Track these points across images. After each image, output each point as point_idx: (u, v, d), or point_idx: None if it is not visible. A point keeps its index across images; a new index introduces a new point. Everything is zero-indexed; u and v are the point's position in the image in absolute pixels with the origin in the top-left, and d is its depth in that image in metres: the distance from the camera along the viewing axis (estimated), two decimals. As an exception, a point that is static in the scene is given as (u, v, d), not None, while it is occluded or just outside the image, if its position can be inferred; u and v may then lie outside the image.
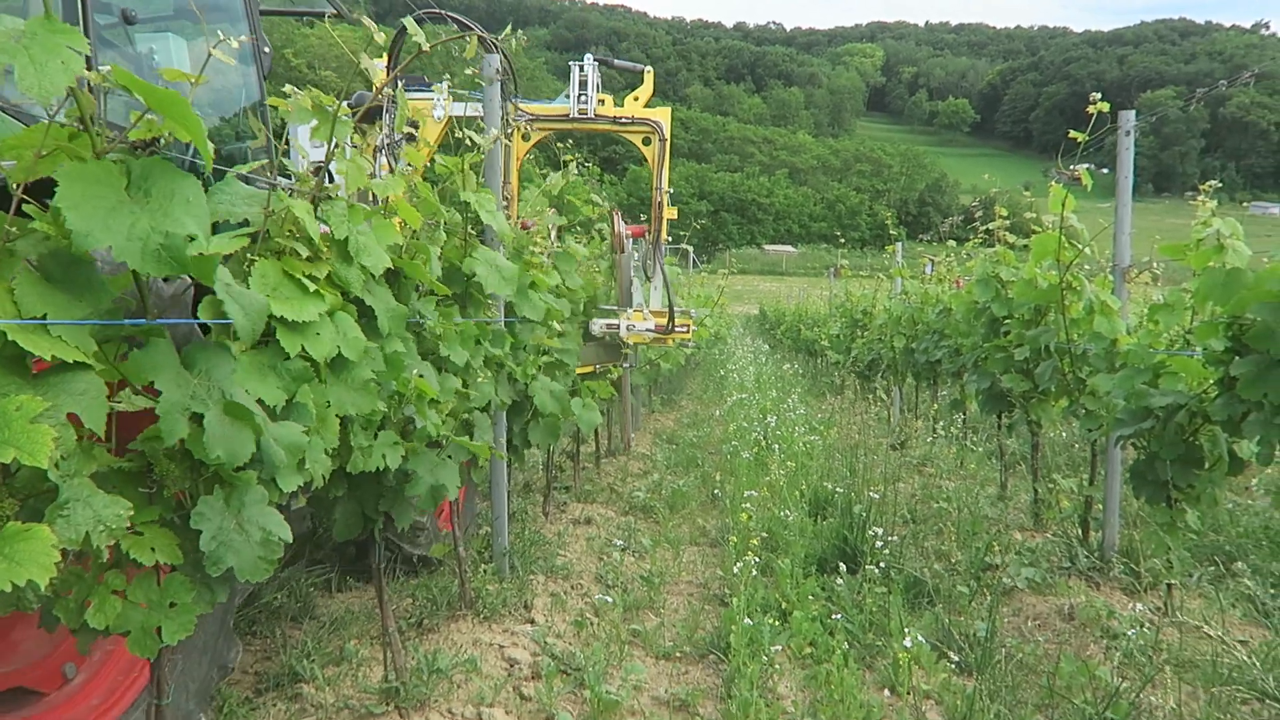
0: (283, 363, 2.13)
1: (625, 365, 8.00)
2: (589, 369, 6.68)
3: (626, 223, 7.47)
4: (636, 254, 7.66)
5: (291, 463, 2.11)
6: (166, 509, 1.97)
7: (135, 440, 1.93)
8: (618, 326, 6.84)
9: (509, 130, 4.45)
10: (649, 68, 7.72)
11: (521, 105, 6.48)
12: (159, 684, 2.12)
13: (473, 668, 3.73)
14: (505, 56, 4.87)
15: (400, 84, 2.83)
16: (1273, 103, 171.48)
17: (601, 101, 7.30)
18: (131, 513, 1.69)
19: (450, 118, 5.90)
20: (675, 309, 7.44)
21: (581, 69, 7.17)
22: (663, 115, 7.64)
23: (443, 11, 5.34)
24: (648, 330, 7.22)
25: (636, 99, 7.58)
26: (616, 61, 7.82)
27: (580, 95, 7.14)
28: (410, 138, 3.02)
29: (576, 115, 7.22)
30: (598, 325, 6.77)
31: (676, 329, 7.34)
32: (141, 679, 2.70)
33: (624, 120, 7.49)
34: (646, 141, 7.65)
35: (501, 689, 3.62)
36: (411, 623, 4.22)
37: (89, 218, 1.56)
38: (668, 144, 7.65)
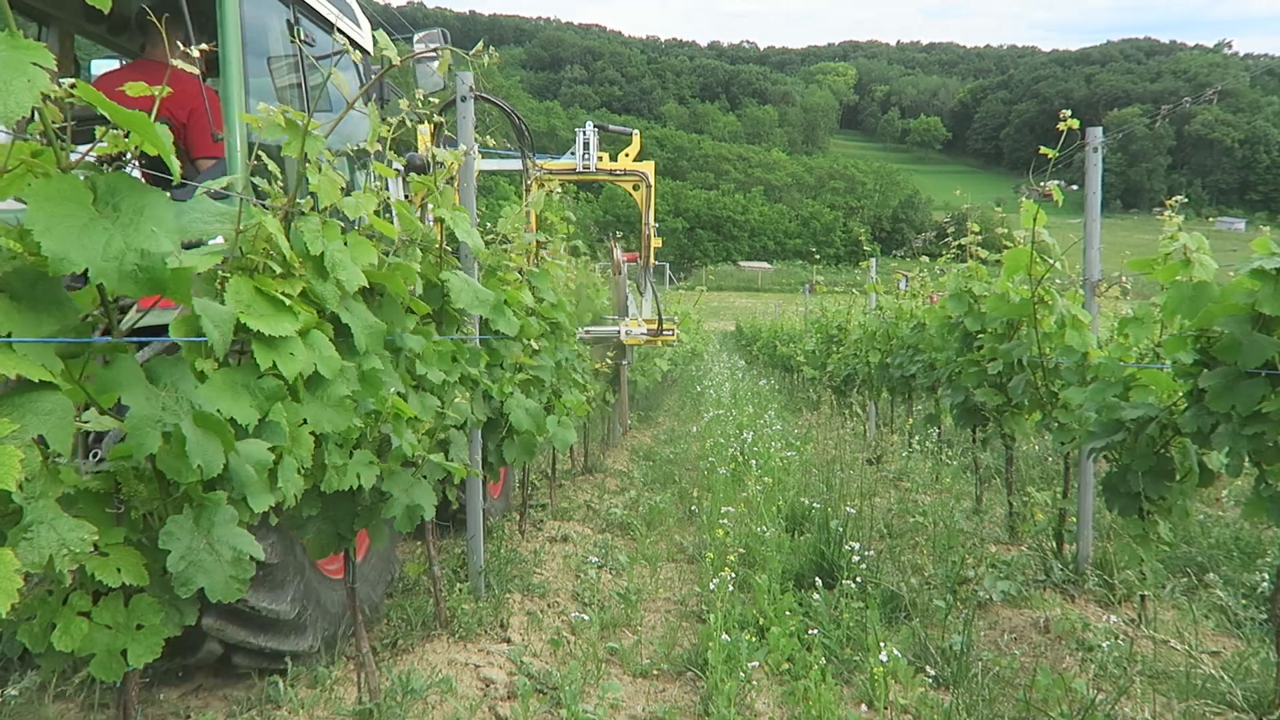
0: (256, 380, 2.11)
1: (624, 362, 9.67)
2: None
3: (623, 250, 9.97)
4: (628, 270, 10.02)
5: (261, 480, 2.08)
6: (134, 530, 1.94)
7: (103, 458, 1.90)
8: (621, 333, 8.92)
9: (528, 181, 5.42)
10: (636, 131, 10.08)
11: (540, 162, 8.04)
12: (125, 708, 2.08)
13: (448, 688, 3.69)
14: (523, 124, 6.21)
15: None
16: (1236, 120, 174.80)
17: (600, 158, 9.51)
18: (96, 537, 1.66)
19: (480, 172, 7.08)
20: (663, 317, 9.91)
21: (584, 133, 9.40)
22: (648, 167, 9.88)
23: (482, 94, 6.45)
24: (642, 334, 9.58)
25: (628, 155, 9.80)
26: (611, 127, 9.98)
27: (584, 154, 9.32)
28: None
29: (582, 169, 9.38)
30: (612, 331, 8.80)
31: (665, 332, 9.81)
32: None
33: (618, 172, 9.79)
34: (636, 188, 9.93)
35: (477, 709, 3.58)
36: (386, 643, 4.18)
37: (64, 239, 1.54)
38: (653, 189, 9.96)
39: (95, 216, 1.61)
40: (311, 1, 4.09)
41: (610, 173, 9.73)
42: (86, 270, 1.55)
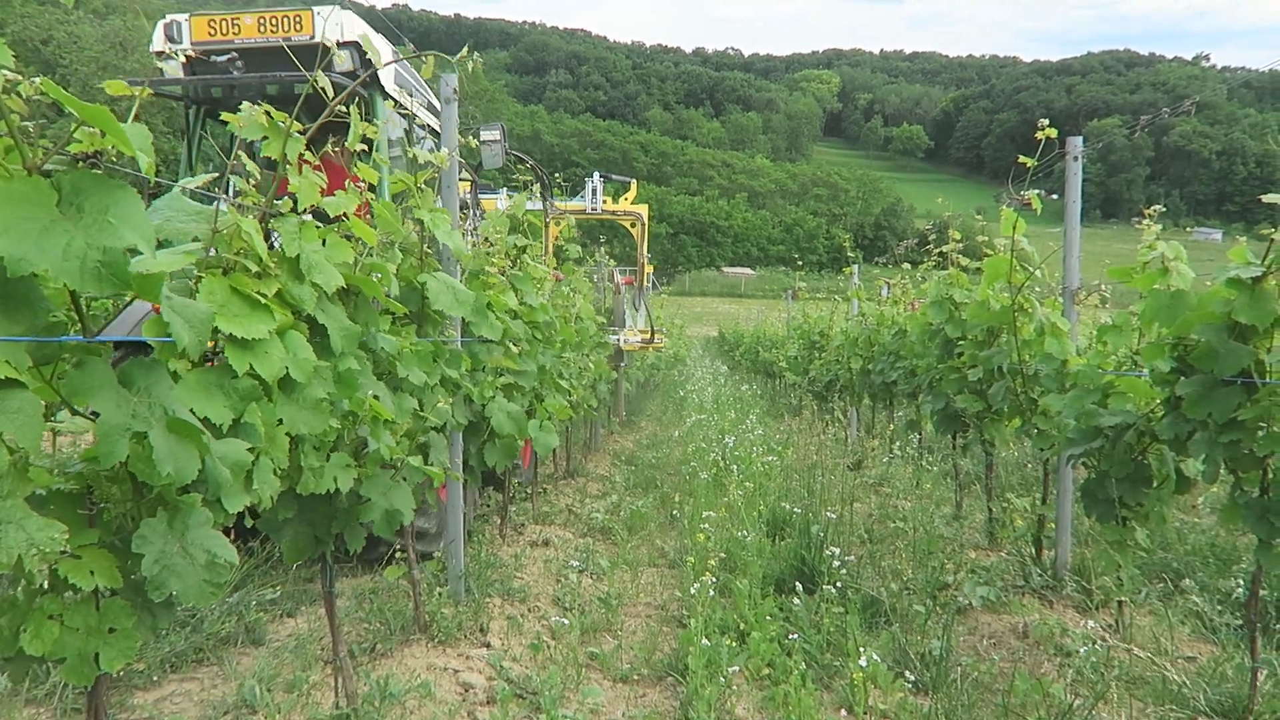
0: (230, 381, 2.08)
1: (621, 364, 11.61)
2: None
3: (622, 274, 12.99)
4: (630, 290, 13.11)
5: (237, 482, 2.06)
6: (106, 532, 1.91)
7: (74, 461, 1.88)
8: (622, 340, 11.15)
9: (547, 221, 6.72)
10: (634, 180, 13.04)
11: (557, 205, 9.71)
12: (96, 712, 2.05)
13: (426, 693, 3.66)
14: (545, 174, 7.62)
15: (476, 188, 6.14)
16: (1214, 132, 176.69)
17: (605, 200, 12.29)
18: (67, 536, 1.63)
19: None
20: (655, 329, 12.50)
21: (592, 181, 12.13)
22: (643, 208, 12.79)
23: (514, 151, 7.90)
24: (637, 342, 12.09)
25: (627, 199, 12.72)
26: (614, 176, 12.82)
27: (592, 198, 12.12)
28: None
29: (590, 210, 12.09)
30: (614, 339, 10.74)
31: (655, 341, 12.41)
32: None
33: (619, 213, 12.62)
34: (634, 225, 12.83)
35: (456, 714, 3.56)
36: (364, 648, 4.14)
37: (21, 241, 1.50)
38: (647, 226, 12.91)
39: (58, 218, 1.57)
40: (418, 114, 6.48)
41: (613, 213, 12.47)
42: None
